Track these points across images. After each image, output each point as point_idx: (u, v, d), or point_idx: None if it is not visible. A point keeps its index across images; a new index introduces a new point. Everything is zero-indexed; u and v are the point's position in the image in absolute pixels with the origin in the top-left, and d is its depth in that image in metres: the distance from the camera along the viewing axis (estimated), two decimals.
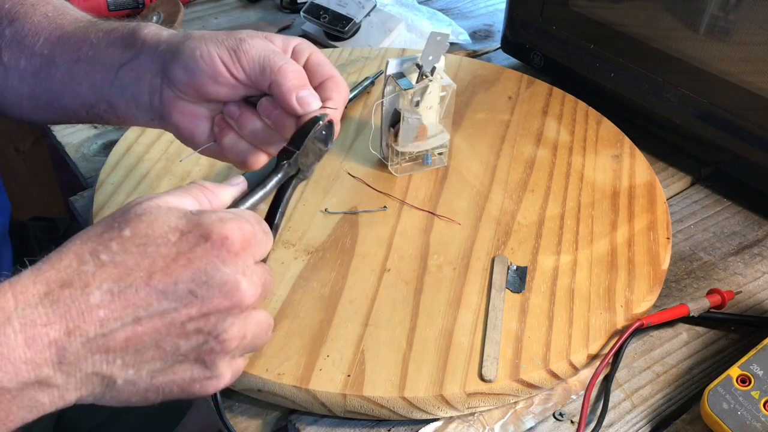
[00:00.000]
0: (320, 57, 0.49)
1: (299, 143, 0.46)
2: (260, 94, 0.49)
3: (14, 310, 0.33)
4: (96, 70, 0.51)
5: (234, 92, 0.48)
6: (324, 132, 0.47)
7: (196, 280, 0.35)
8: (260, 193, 0.44)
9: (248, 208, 0.42)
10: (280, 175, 0.45)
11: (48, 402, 0.34)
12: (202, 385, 0.38)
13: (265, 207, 0.45)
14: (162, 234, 0.36)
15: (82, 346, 0.33)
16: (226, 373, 0.39)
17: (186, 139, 0.51)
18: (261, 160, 0.51)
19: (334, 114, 0.48)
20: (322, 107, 0.48)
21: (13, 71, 0.54)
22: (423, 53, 0.64)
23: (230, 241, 0.36)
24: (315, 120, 0.47)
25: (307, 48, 0.49)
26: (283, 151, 0.46)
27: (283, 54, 0.48)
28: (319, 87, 0.49)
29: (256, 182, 0.45)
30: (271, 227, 0.43)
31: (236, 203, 0.42)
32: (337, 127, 0.49)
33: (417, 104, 0.66)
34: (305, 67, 0.49)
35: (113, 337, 0.34)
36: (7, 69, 0.54)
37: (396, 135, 0.68)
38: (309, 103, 0.47)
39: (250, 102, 0.50)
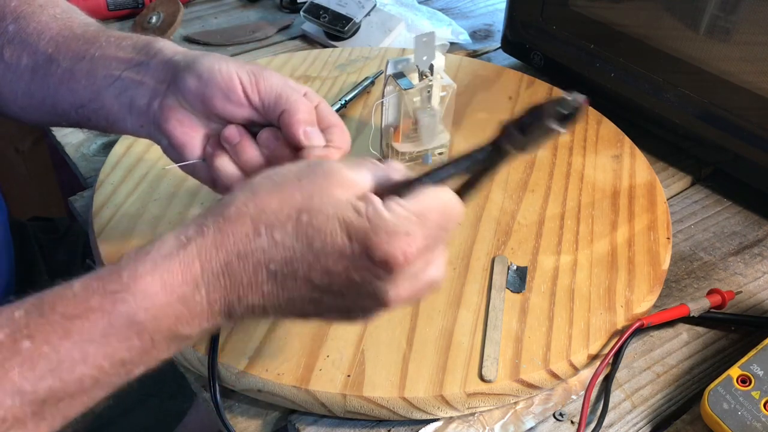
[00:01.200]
0: (328, 107, 0.50)
1: (528, 126, 0.39)
2: (263, 124, 0.49)
3: (201, 277, 0.37)
4: (99, 69, 0.51)
5: (240, 114, 0.48)
6: (568, 113, 0.39)
7: (348, 287, 0.38)
8: (456, 167, 0.41)
9: (436, 182, 0.40)
10: (487, 153, 0.41)
11: (213, 329, 0.40)
12: (366, 316, 0.41)
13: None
14: (332, 232, 0.37)
15: (246, 308, 0.38)
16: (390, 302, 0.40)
17: (175, 149, 0.50)
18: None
19: (334, 154, 0.48)
20: (327, 146, 0.48)
21: (13, 68, 0.54)
22: (415, 56, 0.64)
23: (390, 264, 0.37)
24: (557, 101, 0.39)
25: (317, 97, 0.50)
26: (506, 129, 0.40)
27: (298, 91, 0.48)
28: (324, 131, 0.49)
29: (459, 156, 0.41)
30: (467, 192, 0.41)
31: (426, 175, 0.40)
32: (338, 157, 0.48)
33: (422, 103, 0.66)
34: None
35: (270, 305, 0.39)
36: (7, 65, 0.54)
37: (399, 134, 0.68)
38: (315, 137, 0.47)
39: (250, 131, 0.49)
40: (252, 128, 0.49)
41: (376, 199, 0.38)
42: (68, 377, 0.34)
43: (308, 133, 0.47)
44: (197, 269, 0.37)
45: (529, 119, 0.39)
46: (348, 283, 0.38)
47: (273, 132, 0.48)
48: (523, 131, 0.39)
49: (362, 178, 0.39)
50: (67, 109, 0.53)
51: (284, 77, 0.48)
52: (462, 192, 0.42)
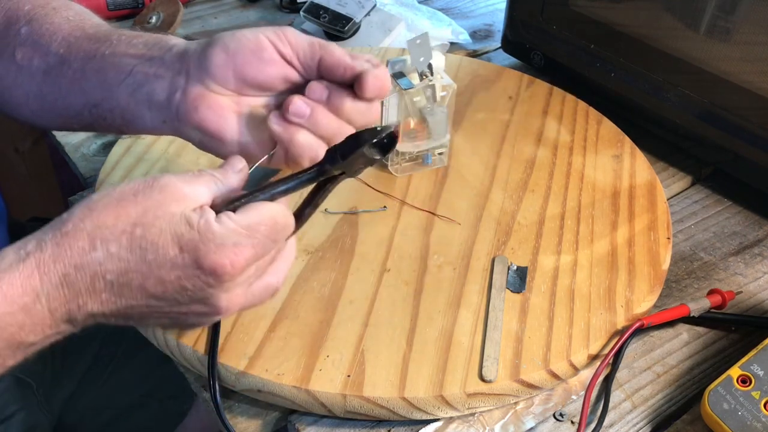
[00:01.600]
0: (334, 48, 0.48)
1: (347, 153, 0.43)
2: (302, 82, 0.47)
3: (41, 289, 0.38)
4: (109, 66, 0.50)
5: (277, 73, 0.46)
6: (386, 141, 0.43)
7: (181, 293, 0.40)
8: (285, 186, 0.43)
9: (268, 198, 0.42)
10: (313, 174, 0.43)
11: (59, 338, 0.42)
12: (202, 322, 0.45)
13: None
14: (164, 245, 0.39)
15: (87, 315, 0.40)
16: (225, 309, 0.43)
17: (212, 138, 0.48)
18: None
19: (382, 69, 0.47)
20: (373, 67, 0.46)
21: (25, 70, 0.53)
22: (412, 59, 0.64)
23: (219, 273, 0.39)
24: (373, 131, 0.43)
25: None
26: (330, 153, 0.44)
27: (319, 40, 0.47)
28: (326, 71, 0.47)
29: (271, 174, 0.45)
30: (300, 216, 0.45)
31: (260, 191, 0.42)
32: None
33: (428, 102, 0.66)
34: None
35: (111, 312, 0.41)
36: (19, 67, 0.53)
37: (399, 135, 0.67)
38: (362, 61, 0.46)
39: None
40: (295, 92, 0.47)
41: (209, 213, 0.40)
42: None
43: (357, 57, 0.46)
44: (36, 281, 0.38)
45: (347, 146, 0.43)
46: (181, 291, 0.40)
47: (318, 84, 0.46)
48: (343, 157, 0.43)
49: (197, 192, 0.41)
50: (79, 109, 0.52)
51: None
52: (300, 212, 0.45)
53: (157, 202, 0.40)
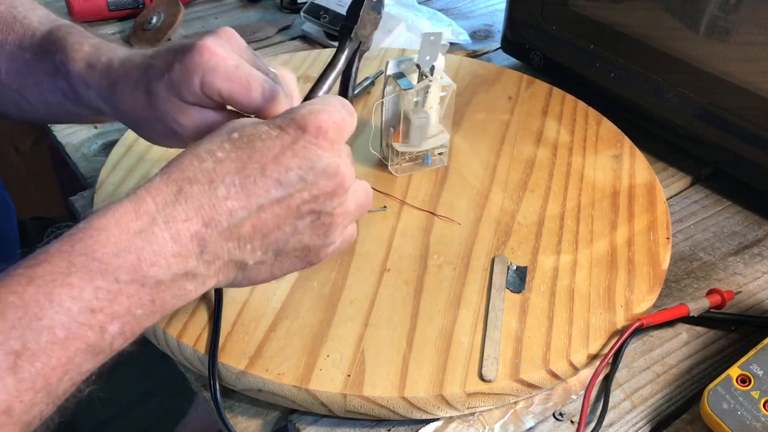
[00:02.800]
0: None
1: (356, 17, 0.52)
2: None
3: (156, 211, 0.37)
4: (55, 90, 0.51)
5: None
6: (374, 0, 0.53)
7: (303, 167, 0.40)
8: (333, 75, 0.50)
9: (326, 92, 0.47)
10: (346, 52, 0.51)
11: (193, 289, 0.39)
12: (317, 254, 0.44)
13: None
14: (265, 131, 0.40)
15: (219, 236, 0.38)
16: (338, 240, 0.45)
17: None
18: None
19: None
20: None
21: (3, 74, 0.53)
22: (419, 54, 0.64)
23: (324, 129, 0.40)
24: None
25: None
26: (343, 27, 0.52)
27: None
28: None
29: (323, 66, 0.52)
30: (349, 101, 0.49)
31: (314, 90, 0.47)
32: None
33: (417, 104, 0.66)
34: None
35: (242, 225, 0.39)
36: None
37: (399, 134, 0.68)
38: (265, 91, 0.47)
39: None
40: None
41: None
42: (37, 325, 0.33)
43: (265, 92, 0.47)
44: (150, 203, 0.37)
45: (353, 9, 0.53)
46: (302, 164, 0.40)
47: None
48: (354, 19, 0.53)
49: None
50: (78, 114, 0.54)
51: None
52: (343, 94, 0.54)
53: (234, 122, 0.42)
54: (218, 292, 0.56)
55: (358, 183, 0.45)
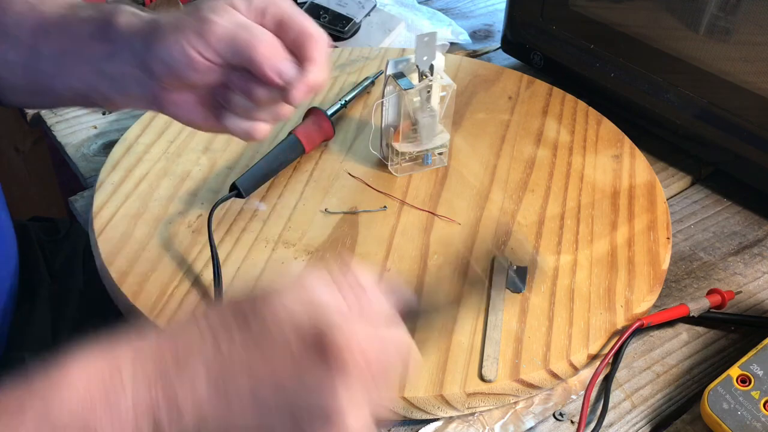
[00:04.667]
0: (288, 10, 0.46)
1: None
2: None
3: (131, 385, 0.33)
4: (81, 62, 0.50)
5: (217, 73, 0.47)
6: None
7: (300, 403, 0.33)
8: None
9: None
10: None
11: None
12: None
13: None
14: (284, 337, 0.33)
15: (177, 428, 0.33)
16: None
17: (186, 124, 0.51)
18: (264, 129, 0.50)
19: (319, 76, 0.46)
20: (304, 70, 0.45)
21: (2, 63, 0.53)
22: (416, 56, 0.64)
23: (349, 365, 0.33)
24: None
25: (272, 5, 0.47)
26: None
27: (250, 26, 0.45)
28: (295, 45, 0.46)
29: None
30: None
31: None
32: (325, 75, 0.47)
33: (422, 103, 0.66)
34: (277, 24, 0.46)
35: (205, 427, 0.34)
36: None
37: (399, 134, 0.68)
38: (287, 73, 0.45)
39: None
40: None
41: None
42: None
43: (280, 73, 0.45)
44: (129, 371, 0.33)
45: None
46: (296, 398, 0.33)
47: (241, 74, 0.47)
48: None
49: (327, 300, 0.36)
50: (72, 97, 0.53)
51: (231, 14, 0.45)
52: None
53: (273, 295, 0.35)
54: (219, 289, 0.56)
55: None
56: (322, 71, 0.46)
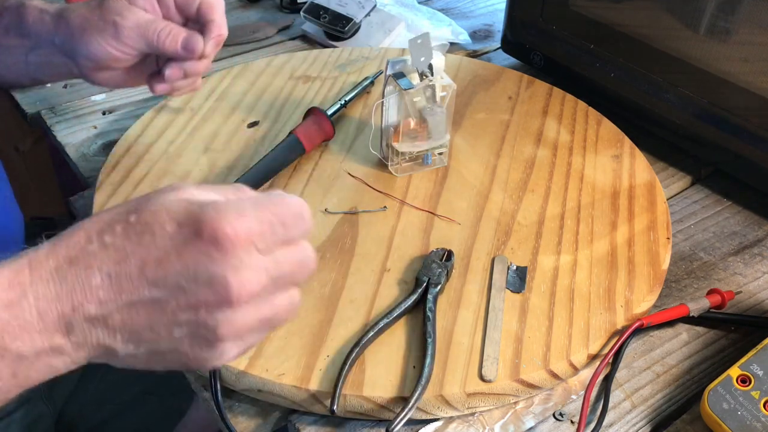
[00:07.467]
0: None
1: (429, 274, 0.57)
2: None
3: (29, 284, 0.35)
4: (5, 54, 0.63)
5: (136, 57, 0.61)
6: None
7: (184, 274, 0.36)
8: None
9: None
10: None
11: (62, 365, 0.37)
12: (202, 363, 0.39)
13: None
14: (161, 224, 0.36)
15: (85, 321, 0.36)
16: (228, 353, 0.38)
17: (116, 88, 0.67)
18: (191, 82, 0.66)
19: (221, 31, 0.62)
20: (207, 38, 0.61)
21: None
22: (412, 59, 0.64)
23: (221, 238, 0.35)
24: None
25: None
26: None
27: (151, 21, 0.59)
28: (198, 13, 0.61)
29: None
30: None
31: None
32: (224, 31, 0.62)
33: (428, 102, 0.66)
34: (176, 4, 0.62)
35: (111, 317, 0.36)
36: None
37: (399, 134, 0.68)
38: (193, 48, 0.60)
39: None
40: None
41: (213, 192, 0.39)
42: None
43: (186, 48, 0.60)
44: (25, 276, 0.35)
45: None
46: (183, 272, 0.36)
47: (173, 69, 0.63)
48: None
49: (207, 195, 0.39)
50: (18, 78, 0.66)
51: (134, 10, 0.60)
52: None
53: (154, 193, 0.38)
54: None
55: (259, 311, 0.38)
56: (222, 27, 0.62)
